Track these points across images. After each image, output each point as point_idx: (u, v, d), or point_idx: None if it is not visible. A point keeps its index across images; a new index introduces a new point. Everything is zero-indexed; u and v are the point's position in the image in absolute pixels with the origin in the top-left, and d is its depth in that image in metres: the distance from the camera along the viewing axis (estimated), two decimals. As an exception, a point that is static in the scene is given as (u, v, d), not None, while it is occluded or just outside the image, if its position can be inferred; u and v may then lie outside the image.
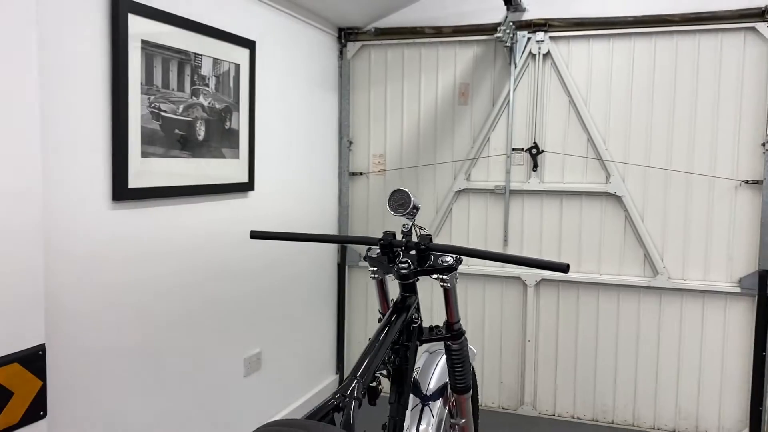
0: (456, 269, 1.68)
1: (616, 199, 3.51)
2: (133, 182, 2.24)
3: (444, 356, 1.96)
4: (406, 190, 1.75)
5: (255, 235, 1.78)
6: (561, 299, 3.64)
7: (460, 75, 3.74)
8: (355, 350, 4.04)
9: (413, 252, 1.66)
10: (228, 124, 2.79)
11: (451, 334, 1.76)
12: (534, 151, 3.58)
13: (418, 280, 1.72)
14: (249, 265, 3.04)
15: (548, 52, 3.54)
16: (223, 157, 2.76)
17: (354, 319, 4.04)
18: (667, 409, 3.51)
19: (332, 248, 3.95)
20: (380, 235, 1.72)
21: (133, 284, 2.32)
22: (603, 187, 3.52)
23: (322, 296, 3.82)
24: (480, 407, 3.81)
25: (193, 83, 2.54)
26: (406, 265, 1.66)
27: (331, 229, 3.90)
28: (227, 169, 2.80)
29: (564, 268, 1.44)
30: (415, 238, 1.73)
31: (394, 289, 1.83)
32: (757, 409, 3.34)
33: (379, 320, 1.86)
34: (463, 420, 1.82)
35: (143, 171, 2.29)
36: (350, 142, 3.95)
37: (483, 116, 3.71)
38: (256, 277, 3.10)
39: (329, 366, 3.98)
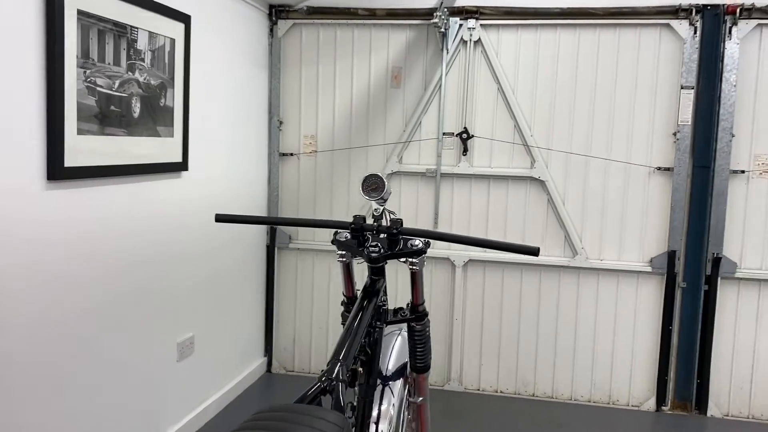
0: (425, 252, 1.72)
1: (540, 183, 3.67)
2: (69, 161, 2.12)
3: (399, 337, 2.00)
4: (380, 174, 1.77)
5: (220, 218, 1.74)
6: (487, 279, 3.78)
7: (393, 58, 3.77)
8: (284, 332, 4.02)
9: (383, 236, 1.68)
10: (163, 101, 2.68)
11: (416, 316, 1.80)
12: (465, 135, 3.68)
13: (386, 263, 1.74)
14: (181, 248, 2.95)
15: (479, 40, 3.63)
16: (158, 135, 2.66)
17: (283, 301, 4.01)
18: (583, 381, 3.74)
19: (262, 230, 3.90)
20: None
21: (66, 269, 2.20)
22: (528, 171, 3.67)
23: (251, 279, 3.77)
24: (408, 385, 3.91)
25: (129, 57, 2.43)
26: (377, 249, 1.68)
27: (260, 213, 3.84)
28: (162, 148, 2.69)
29: (534, 252, 1.51)
30: (385, 223, 1.75)
31: (358, 273, 1.84)
32: (663, 379, 3.63)
33: (343, 303, 1.87)
34: (421, 398, 1.88)
35: (79, 149, 2.17)
36: (280, 122, 3.90)
37: (415, 100, 3.76)
38: (188, 261, 3.02)
39: (258, 349, 3.94)
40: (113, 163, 2.36)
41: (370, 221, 1.72)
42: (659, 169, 3.55)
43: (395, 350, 1.95)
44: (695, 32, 3.44)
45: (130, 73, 2.44)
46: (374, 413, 1.70)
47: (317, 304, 3.97)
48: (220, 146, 3.28)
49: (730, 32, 3.39)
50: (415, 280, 1.75)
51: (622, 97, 3.55)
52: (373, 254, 1.67)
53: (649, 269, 3.60)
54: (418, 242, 1.69)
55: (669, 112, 3.52)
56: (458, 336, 3.83)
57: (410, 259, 1.70)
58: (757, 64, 3.41)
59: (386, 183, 1.75)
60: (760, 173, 3.45)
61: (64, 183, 2.14)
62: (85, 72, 2.18)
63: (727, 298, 3.54)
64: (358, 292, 1.85)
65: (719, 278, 3.50)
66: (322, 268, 3.95)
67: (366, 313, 1.56)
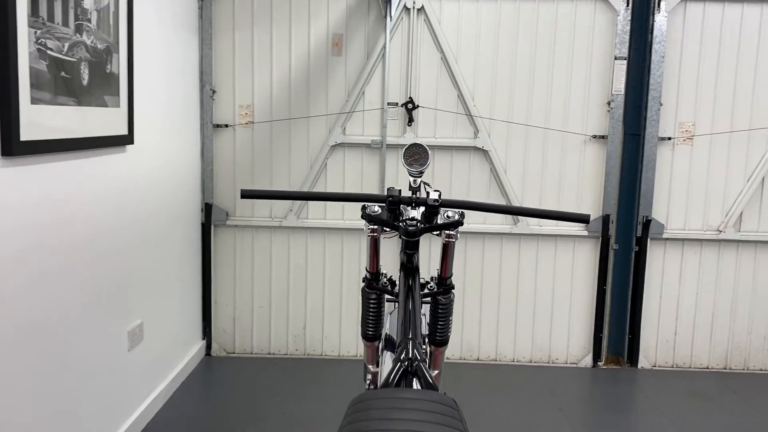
0: (462, 224, 1.68)
1: (483, 153, 3.72)
2: (26, 134, 1.87)
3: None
4: (424, 145, 1.69)
5: (246, 194, 1.59)
6: (433, 248, 3.80)
7: (333, 25, 3.64)
8: (223, 313, 3.85)
9: (422, 209, 1.62)
10: (109, 67, 2.43)
11: (443, 289, 1.76)
12: (410, 106, 3.64)
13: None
14: (127, 230, 2.72)
15: (422, 7, 3.58)
16: (105, 105, 2.41)
17: (221, 280, 3.83)
18: (525, 343, 3.88)
19: (198, 207, 3.67)
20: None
21: (16, 255, 1.96)
22: (471, 141, 3.70)
23: (190, 259, 3.56)
24: (358, 357, 3.88)
25: (76, 17, 2.16)
26: (415, 222, 1.62)
27: (194, 188, 3.61)
28: (109, 120, 2.45)
29: (586, 219, 1.51)
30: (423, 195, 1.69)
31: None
32: (599, 337, 3.84)
33: (365, 279, 1.80)
34: (437, 371, 1.85)
35: (34, 121, 1.92)
36: (213, 91, 3.67)
37: (357, 69, 3.66)
38: (133, 243, 2.79)
39: (197, 331, 3.74)
40: (65, 136, 2.11)
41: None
42: (594, 137, 3.70)
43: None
44: (627, 4, 3.59)
45: (78, 35, 2.17)
46: None
47: (258, 282, 3.83)
48: (157, 118, 3.03)
49: (659, 5, 3.56)
50: (447, 252, 1.71)
51: (560, 68, 3.65)
52: (411, 228, 1.60)
53: (585, 233, 3.77)
54: (453, 214, 1.65)
55: (604, 82, 3.66)
56: (405, 307, 3.83)
57: (447, 231, 1.65)
58: (682, 36, 3.62)
59: (429, 153, 1.68)
60: (684, 140, 3.69)
61: (19, 160, 1.88)
62: (35, 32, 1.92)
63: (655, 258, 3.78)
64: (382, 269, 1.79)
65: (648, 239, 3.74)
66: (262, 245, 3.80)
67: (415, 290, 1.51)
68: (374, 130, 3.70)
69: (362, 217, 1.68)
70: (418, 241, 1.67)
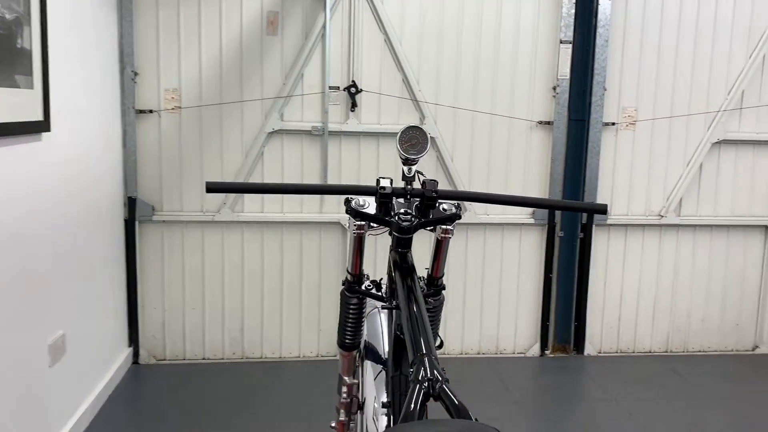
0: (460, 218, 1.50)
1: (430, 140, 3.56)
2: None
3: (383, 313, 1.77)
4: (421, 126, 1.49)
5: (212, 187, 1.34)
6: (379, 241, 3.62)
7: (267, 2, 3.36)
8: (151, 318, 3.51)
9: (415, 201, 1.43)
10: (20, 41, 2.08)
11: (434, 290, 1.58)
12: (353, 90, 3.43)
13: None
14: (43, 230, 2.37)
15: (364, -15, 3.38)
16: (17, 86, 2.07)
17: (148, 282, 3.49)
18: (473, 335, 3.78)
19: (120, 201, 3.32)
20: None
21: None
22: (417, 127, 3.54)
23: (112, 259, 3.21)
24: (301, 358, 3.65)
25: (-20, -20, 1.82)
26: (410, 217, 1.42)
27: (115, 181, 3.25)
28: (21, 103, 2.10)
29: (603, 210, 1.37)
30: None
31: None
32: (546, 325, 3.80)
33: (345, 281, 1.60)
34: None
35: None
36: (135, 74, 3.31)
37: (295, 50, 3.41)
38: (51, 244, 2.44)
39: (122, 338, 3.40)
40: (-30, 121, 1.78)
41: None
42: (540, 123, 3.62)
43: (385, 330, 1.72)
44: (572, -13, 3.52)
45: (-18, 1, 1.83)
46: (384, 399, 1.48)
47: (189, 282, 3.52)
48: (75, 102, 2.68)
49: (603, -11, 3.52)
50: (441, 249, 1.53)
51: (506, 52, 3.54)
52: (405, 223, 1.41)
53: (531, 221, 3.70)
54: (449, 206, 1.47)
55: (549, 66, 3.59)
56: (350, 302, 3.64)
57: (444, 227, 1.47)
58: (625, 21, 3.59)
59: (428, 138, 1.49)
60: (627, 125, 3.68)
61: None
62: (-71, -6, 1.58)
63: (599, 244, 3.76)
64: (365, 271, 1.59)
65: (593, 226, 3.71)
66: (194, 242, 3.49)
67: (416, 292, 1.32)
68: (315, 115, 3.46)
69: (347, 211, 1.47)
70: (411, 238, 1.48)
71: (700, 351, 3.93)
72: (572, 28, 3.53)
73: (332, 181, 3.51)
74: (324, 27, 3.36)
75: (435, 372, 1.03)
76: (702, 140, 3.71)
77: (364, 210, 1.46)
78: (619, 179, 3.72)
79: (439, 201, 1.44)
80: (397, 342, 1.51)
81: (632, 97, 3.65)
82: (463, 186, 3.61)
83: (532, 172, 3.66)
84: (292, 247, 3.56)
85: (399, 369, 1.45)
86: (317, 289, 3.61)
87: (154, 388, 3.25)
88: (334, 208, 3.52)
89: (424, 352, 1.09)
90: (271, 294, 3.58)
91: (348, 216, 1.49)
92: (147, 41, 3.31)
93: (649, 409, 3.17)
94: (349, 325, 1.66)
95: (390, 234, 1.50)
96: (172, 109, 3.38)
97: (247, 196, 3.48)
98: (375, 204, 1.45)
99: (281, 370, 3.50)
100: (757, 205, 3.81)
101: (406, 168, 1.48)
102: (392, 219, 1.43)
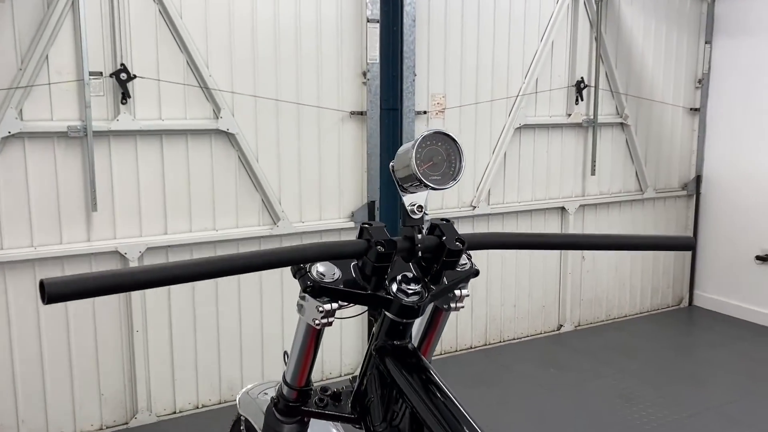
0: (479, 274, 0.96)
1: (228, 137, 2.89)
2: None
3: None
4: (450, 133, 0.89)
5: (54, 295, 0.60)
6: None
7: (-17, -48, 2.36)
8: None
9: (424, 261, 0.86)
10: None
11: None
12: (123, 76, 2.59)
13: None
14: None
15: (127, -62, 2.56)
16: None
17: None
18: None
19: None
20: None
21: None
22: (212, 123, 2.84)
23: None
24: (75, 440, 2.73)
25: None
26: (419, 287, 0.86)
27: None
28: None
29: (691, 245, 0.96)
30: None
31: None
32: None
33: (276, 400, 0.97)
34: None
35: None
36: None
37: (34, 23, 2.46)
38: None
39: None
40: None
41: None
42: (353, 113, 3.18)
43: None
44: (376, -41, 3.11)
45: None
46: None
47: (19, 348, 2.38)
48: None
49: (406, -38, 3.17)
50: (438, 322, 1.00)
51: (309, 35, 3.01)
52: (412, 297, 0.85)
53: (351, 225, 3.25)
54: (465, 262, 0.94)
55: (358, 49, 3.15)
56: (141, 353, 2.82)
57: (462, 293, 0.94)
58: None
59: (462, 152, 0.90)
60: (436, 113, 3.42)
61: None
62: None
63: (420, 243, 3.46)
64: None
65: (414, 224, 3.39)
66: (22, 289, 2.36)
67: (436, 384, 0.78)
68: (71, 111, 2.56)
69: (305, 290, 0.86)
70: (413, 322, 0.93)
71: (514, 339, 3.89)
72: (378, 3, 3.13)
73: (104, 199, 2.63)
74: (73, -8, 2.48)
75: None
76: (505, 126, 3.62)
77: (329, 285, 0.86)
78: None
79: (479, 248, 0.92)
80: None
81: (440, 83, 3.40)
82: (273, 190, 3.01)
83: (348, 169, 3.21)
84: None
85: None
86: (93, 340, 2.72)
87: None
88: (107, 233, 2.66)
89: None
90: (27, 364, 2.60)
91: (300, 296, 0.89)
92: None
93: (492, 407, 2.97)
94: None
95: (372, 317, 0.93)
96: None
97: None
98: (351, 270, 0.87)
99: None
100: (553, 187, 3.87)
101: (408, 201, 0.90)
102: (387, 295, 0.86)
